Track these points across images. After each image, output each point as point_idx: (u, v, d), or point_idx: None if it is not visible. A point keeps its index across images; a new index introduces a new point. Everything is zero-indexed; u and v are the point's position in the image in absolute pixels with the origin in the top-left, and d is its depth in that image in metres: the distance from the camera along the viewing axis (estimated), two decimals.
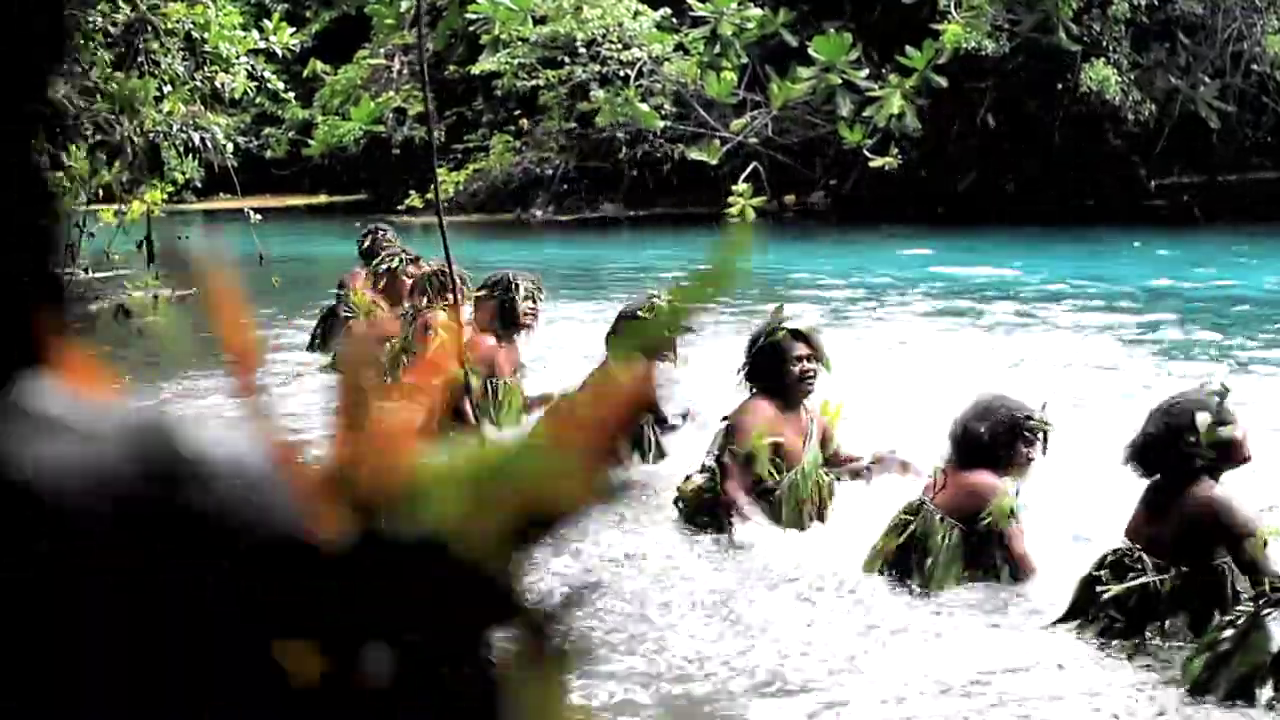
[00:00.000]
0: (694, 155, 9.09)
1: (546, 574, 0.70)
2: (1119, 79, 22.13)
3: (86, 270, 10.92)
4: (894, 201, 22.85)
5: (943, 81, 6.83)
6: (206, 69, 10.39)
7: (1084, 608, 5.21)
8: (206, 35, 10.21)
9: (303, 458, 0.65)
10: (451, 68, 26.08)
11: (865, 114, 6.81)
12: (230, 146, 10.79)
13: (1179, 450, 5.11)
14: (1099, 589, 5.16)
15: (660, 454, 7.51)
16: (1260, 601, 4.66)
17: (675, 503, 6.67)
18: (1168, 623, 5.04)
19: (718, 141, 8.39)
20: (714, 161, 8.35)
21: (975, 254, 18.19)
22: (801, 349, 6.61)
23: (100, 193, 10.34)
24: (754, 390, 6.65)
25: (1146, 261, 17.31)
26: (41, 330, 0.64)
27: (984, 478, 5.70)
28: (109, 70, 9.87)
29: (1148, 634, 5.04)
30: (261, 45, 10.46)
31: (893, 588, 5.71)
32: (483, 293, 8.59)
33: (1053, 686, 4.80)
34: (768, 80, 7.13)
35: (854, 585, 5.77)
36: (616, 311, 8.15)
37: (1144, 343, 11.47)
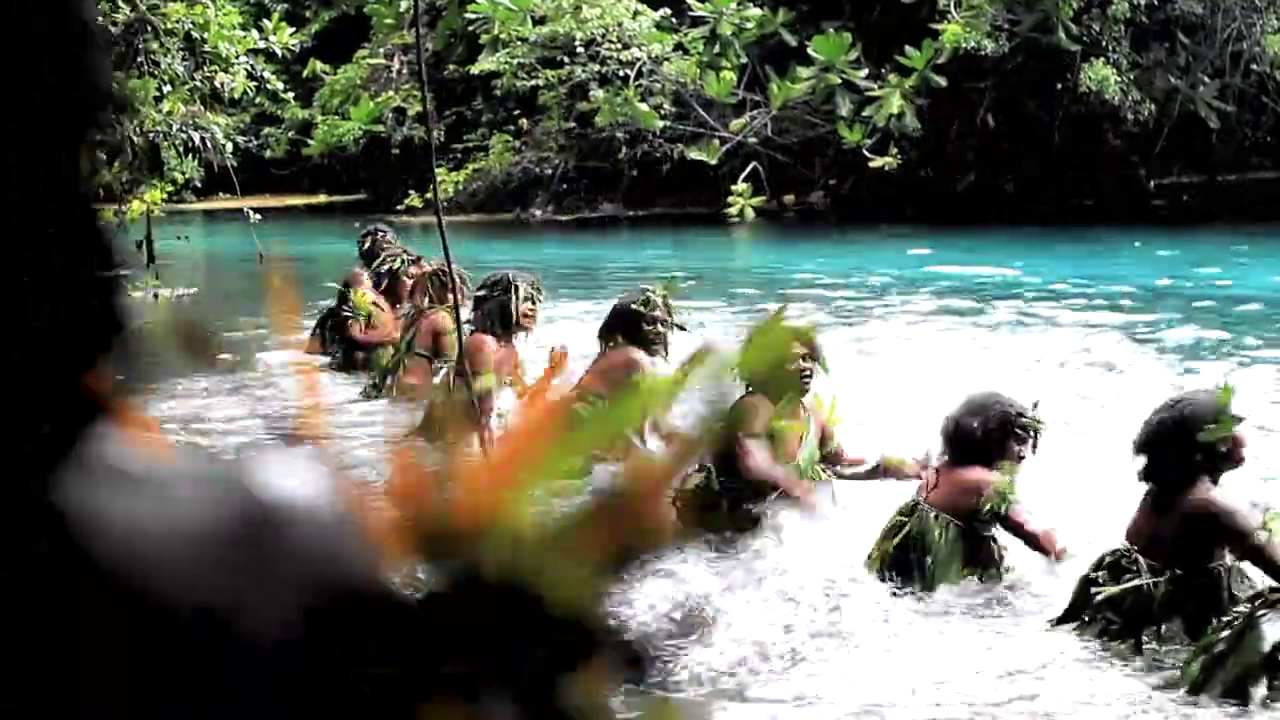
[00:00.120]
0: (694, 155, 9.09)
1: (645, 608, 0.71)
2: (1119, 79, 22.13)
3: None
4: (894, 201, 22.85)
5: (942, 81, 6.82)
6: (206, 69, 10.39)
7: (1082, 609, 5.22)
8: (206, 35, 10.21)
9: (376, 504, 0.65)
10: (451, 68, 26.08)
11: (865, 114, 6.81)
12: (230, 146, 10.80)
13: (1180, 450, 5.11)
14: (1094, 590, 5.16)
15: None
16: (1255, 602, 4.67)
17: (672, 503, 6.65)
18: (1163, 626, 5.05)
19: (717, 141, 8.39)
20: (714, 161, 8.35)
21: (975, 254, 18.18)
22: (799, 348, 6.61)
23: (100, 192, 10.33)
24: (749, 389, 6.62)
25: (1146, 261, 17.30)
26: (105, 382, 0.63)
27: (977, 473, 5.71)
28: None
29: (1144, 637, 5.04)
30: (261, 45, 10.47)
31: (891, 589, 5.71)
32: (482, 293, 8.58)
33: (1050, 687, 4.80)
34: (767, 80, 7.13)
35: (852, 586, 5.77)
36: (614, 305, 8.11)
37: (1144, 342, 11.47)
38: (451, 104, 27.01)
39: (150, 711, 0.58)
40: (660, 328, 7.52)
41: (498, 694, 0.63)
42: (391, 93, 26.23)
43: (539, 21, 21.19)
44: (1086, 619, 5.17)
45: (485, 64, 24.38)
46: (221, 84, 10.45)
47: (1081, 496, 6.13)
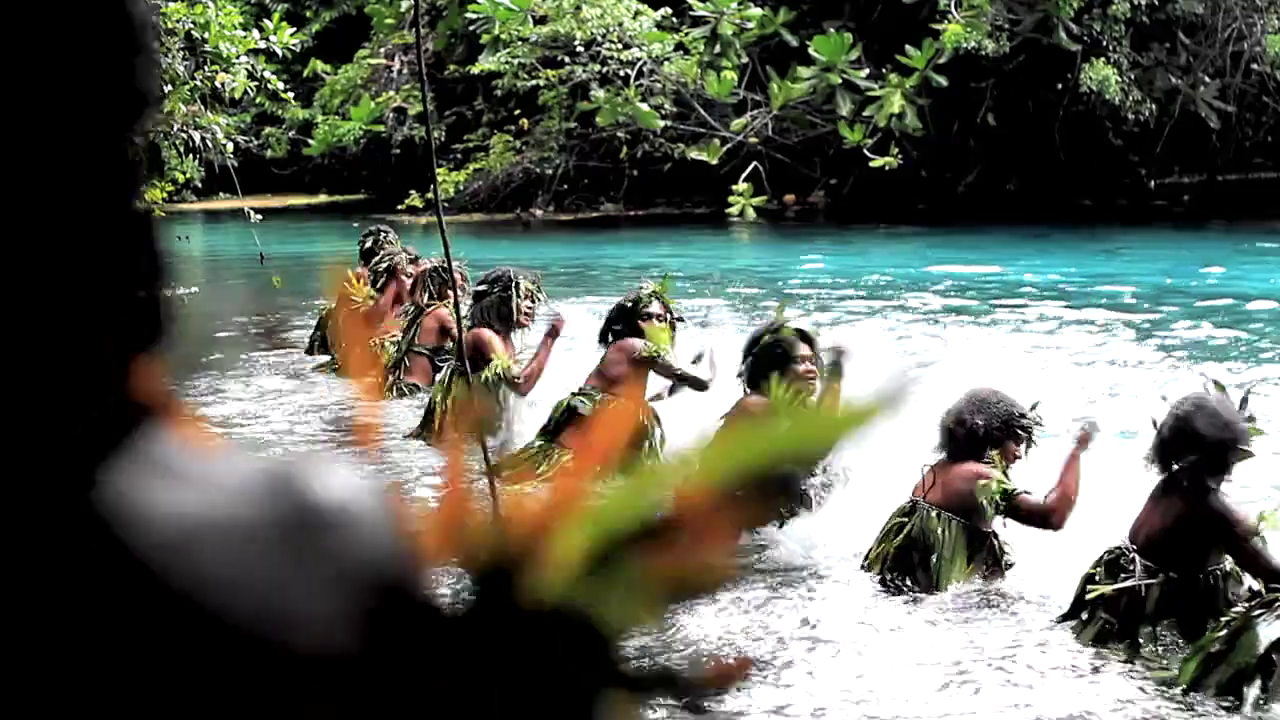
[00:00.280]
0: (694, 155, 9.10)
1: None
2: (1119, 79, 22.13)
3: None
4: (894, 201, 22.85)
5: (943, 81, 6.83)
6: (206, 69, 10.39)
7: (1083, 608, 5.22)
8: (206, 35, 10.21)
9: (424, 515, 0.65)
10: (451, 68, 26.08)
11: (865, 114, 6.81)
12: (230, 146, 10.79)
13: (1188, 451, 5.11)
14: (1089, 588, 5.17)
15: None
16: (1251, 603, 4.68)
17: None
18: (1159, 626, 5.05)
19: (718, 141, 8.39)
20: (714, 161, 8.35)
21: (975, 253, 18.18)
22: (804, 349, 6.63)
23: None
24: (749, 389, 6.63)
25: (1146, 261, 17.30)
26: (155, 380, 0.63)
27: (976, 470, 5.71)
28: None
29: (1140, 638, 5.05)
30: (261, 45, 10.47)
31: (890, 589, 5.71)
32: (482, 288, 8.61)
33: (1049, 687, 4.80)
34: (768, 80, 7.13)
35: (849, 586, 5.77)
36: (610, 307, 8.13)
37: (1144, 342, 11.47)
38: (452, 104, 27.01)
39: (187, 706, 0.58)
40: (657, 322, 7.58)
41: (539, 711, 0.63)
42: (392, 93, 26.23)
43: (539, 21, 21.20)
44: (1085, 618, 5.18)
45: (485, 64, 24.37)
46: (222, 84, 10.45)
47: (1083, 495, 6.12)
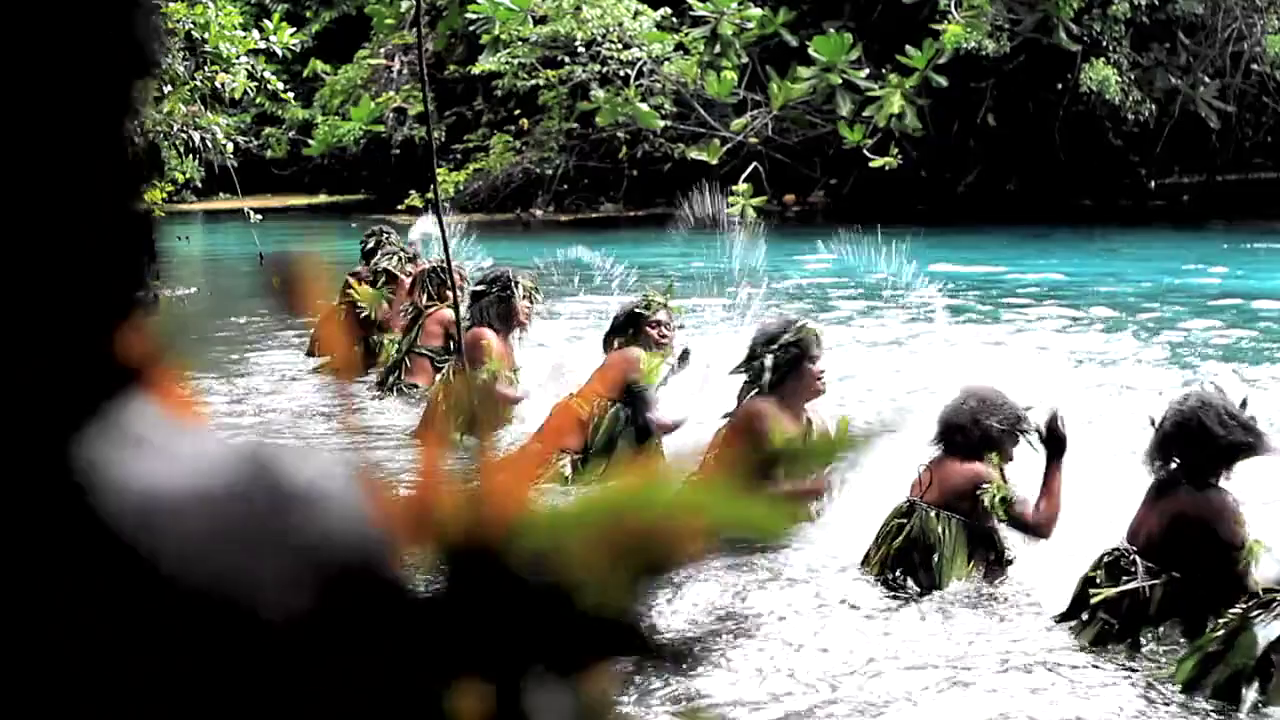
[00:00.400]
0: (694, 155, 9.10)
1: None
2: (1119, 79, 22.13)
3: None
4: (895, 201, 22.84)
5: (943, 81, 6.83)
6: (206, 69, 10.39)
7: (1082, 608, 5.21)
8: (206, 35, 10.21)
9: (397, 495, 0.65)
10: (451, 68, 26.08)
11: (865, 114, 6.81)
12: (230, 146, 10.79)
13: (1189, 449, 5.11)
14: (1091, 591, 5.16)
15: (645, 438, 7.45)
16: (1249, 604, 4.68)
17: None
18: (1161, 627, 5.05)
19: (718, 141, 8.39)
20: (714, 161, 8.36)
21: (976, 253, 18.18)
22: (818, 350, 6.62)
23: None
24: (756, 390, 6.60)
25: (1146, 261, 17.30)
26: (137, 348, 0.63)
27: (975, 468, 5.71)
28: None
29: (1142, 638, 5.04)
30: (261, 45, 10.47)
31: (891, 590, 5.71)
32: (480, 289, 8.61)
33: (1047, 687, 4.80)
34: (768, 80, 7.13)
35: (849, 587, 5.77)
36: (615, 312, 8.14)
37: (1143, 342, 11.47)
38: (452, 104, 27.01)
39: (152, 675, 0.58)
40: (665, 329, 7.64)
41: (517, 685, 0.63)
42: (392, 93, 26.22)
43: (539, 21, 21.20)
44: (1085, 619, 5.17)
45: (486, 64, 24.37)
46: (222, 84, 10.45)
47: (1082, 495, 6.12)
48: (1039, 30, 20.23)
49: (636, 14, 23.56)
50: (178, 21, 10.11)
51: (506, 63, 24.39)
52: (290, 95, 11.94)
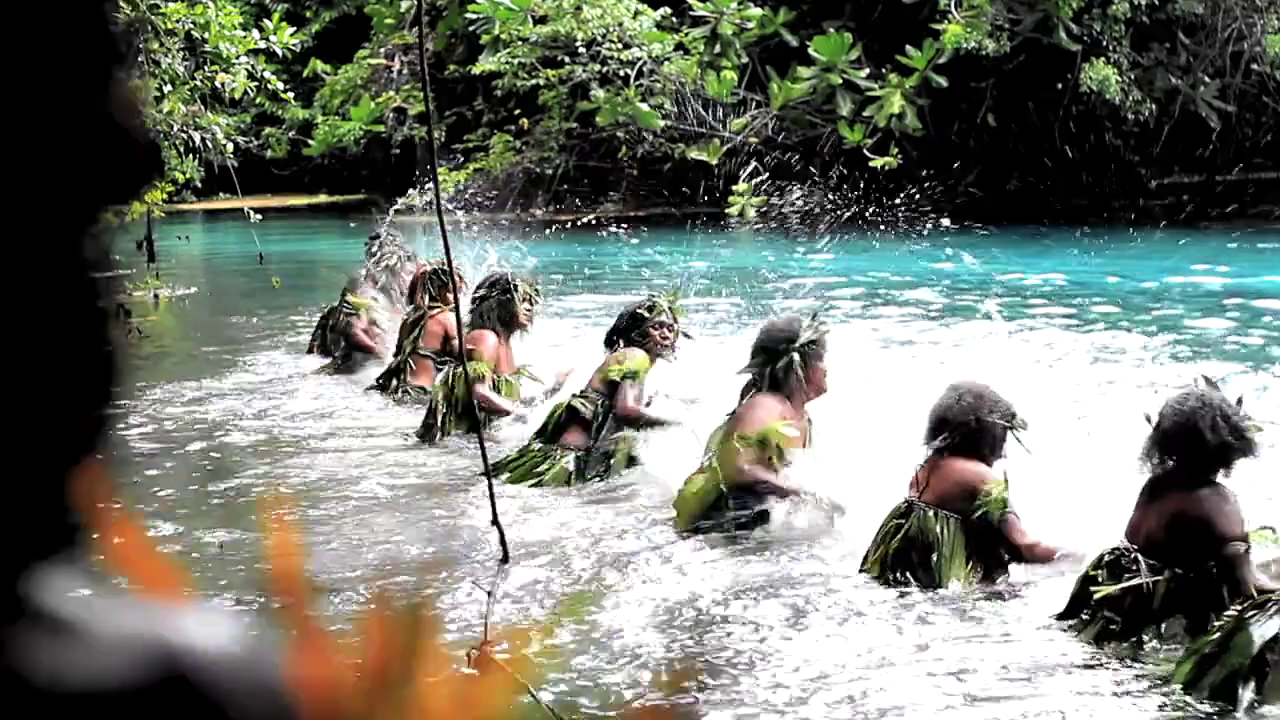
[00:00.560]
0: (694, 155, 9.09)
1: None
2: (1119, 79, 22.12)
3: None
4: (894, 201, 22.82)
5: (943, 81, 6.82)
6: (206, 69, 10.39)
7: (1081, 607, 5.21)
8: (206, 35, 10.21)
9: (322, 693, 0.63)
10: (451, 68, 26.08)
11: (866, 114, 6.81)
12: (230, 146, 10.80)
13: (1188, 447, 5.11)
14: (1093, 590, 5.16)
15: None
16: (1245, 604, 4.68)
17: (674, 505, 6.64)
18: (1163, 625, 5.05)
19: (718, 141, 8.39)
20: (714, 161, 8.35)
21: (976, 253, 18.17)
22: (825, 350, 6.65)
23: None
24: (759, 388, 6.60)
25: (1146, 261, 17.30)
26: (83, 492, 0.59)
27: (974, 467, 5.71)
28: None
29: (1144, 636, 5.04)
30: (261, 45, 10.47)
31: (890, 590, 5.70)
32: (481, 292, 8.63)
33: (1047, 687, 4.80)
34: (768, 80, 7.13)
35: (848, 588, 5.77)
36: (617, 311, 8.16)
37: (1144, 341, 11.46)
38: (452, 104, 27.01)
39: None
40: (667, 333, 7.68)
41: None
42: (392, 93, 26.22)
43: (539, 21, 21.20)
44: (1086, 617, 5.17)
45: (486, 64, 24.37)
46: (222, 84, 10.45)
47: (1081, 495, 6.12)
48: (1039, 30, 20.21)
49: (636, 14, 23.56)
50: (178, 21, 10.11)
51: (506, 63, 24.39)
52: (290, 95, 11.95)
